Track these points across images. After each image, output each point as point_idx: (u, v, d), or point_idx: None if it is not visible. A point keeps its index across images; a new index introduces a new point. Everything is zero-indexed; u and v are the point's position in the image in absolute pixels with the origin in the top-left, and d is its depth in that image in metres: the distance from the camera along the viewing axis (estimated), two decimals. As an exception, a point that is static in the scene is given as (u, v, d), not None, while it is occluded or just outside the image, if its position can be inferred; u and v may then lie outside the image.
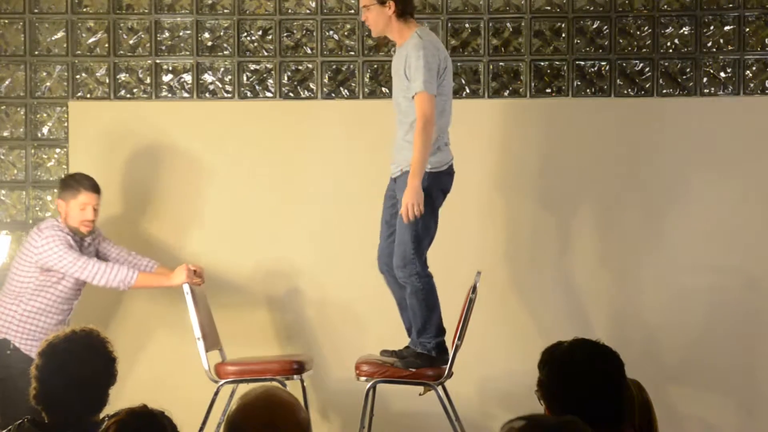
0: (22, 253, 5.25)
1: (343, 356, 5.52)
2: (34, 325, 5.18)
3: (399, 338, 5.02)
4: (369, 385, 4.92)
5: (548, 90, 5.95)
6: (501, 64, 5.96)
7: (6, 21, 6.02)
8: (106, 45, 6.00)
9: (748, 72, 5.92)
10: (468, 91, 5.94)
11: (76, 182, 5.31)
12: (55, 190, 5.98)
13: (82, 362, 3.24)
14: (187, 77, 5.99)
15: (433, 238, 4.93)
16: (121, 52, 6.00)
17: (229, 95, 5.98)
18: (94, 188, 5.32)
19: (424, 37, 4.89)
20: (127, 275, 5.14)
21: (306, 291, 5.88)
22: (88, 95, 6.00)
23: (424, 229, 4.86)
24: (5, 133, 6.02)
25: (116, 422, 2.78)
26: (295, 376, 5.12)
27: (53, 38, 6.01)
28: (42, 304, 5.20)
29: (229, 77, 5.98)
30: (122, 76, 6.00)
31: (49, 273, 5.17)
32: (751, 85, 5.92)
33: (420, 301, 4.87)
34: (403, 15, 4.94)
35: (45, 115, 6.01)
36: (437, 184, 4.88)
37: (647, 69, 5.94)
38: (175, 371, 5.76)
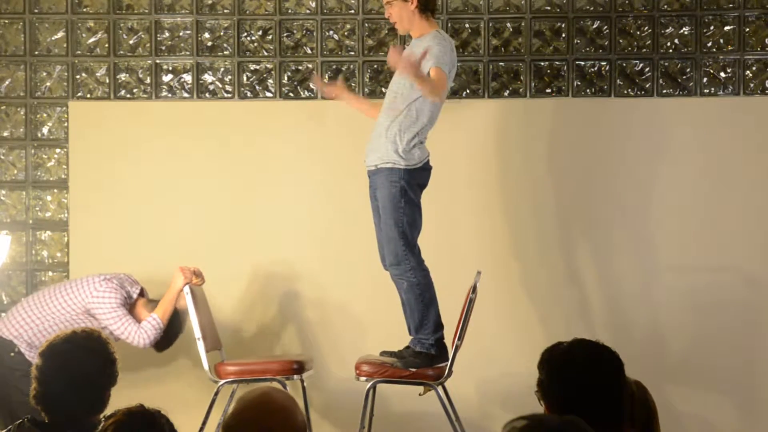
0: (79, 287, 5.23)
1: (343, 356, 5.52)
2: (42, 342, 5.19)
3: (399, 338, 5.02)
4: (369, 385, 4.92)
5: (548, 90, 5.95)
6: (501, 64, 5.96)
7: (6, 21, 6.02)
8: (106, 45, 6.00)
9: (748, 72, 5.92)
10: (468, 91, 5.94)
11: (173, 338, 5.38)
12: (56, 190, 5.99)
13: (82, 363, 3.24)
14: (187, 77, 5.99)
15: (420, 230, 4.94)
16: (121, 52, 6.01)
17: (229, 95, 5.98)
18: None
19: (444, 36, 4.99)
20: (153, 323, 5.21)
21: (305, 291, 5.88)
22: (88, 95, 6.01)
23: (410, 223, 4.88)
24: (5, 133, 6.02)
25: (114, 422, 2.78)
26: (295, 376, 5.12)
27: (53, 38, 6.01)
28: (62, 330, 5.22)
29: (229, 77, 5.98)
30: (122, 76, 6.00)
31: (92, 319, 5.20)
32: (751, 85, 5.92)
33: (417, 296, 4.87)
34: (425, 11, 5.00)
35: (45, 115, 6.01)
36: (415, 180, 4.92)
37: (647, 69, 5.94)
38: (175, 371, 5.77)
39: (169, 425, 2.82)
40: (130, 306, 5.29)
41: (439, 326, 4.92)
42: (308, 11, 5.99)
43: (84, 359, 3.26)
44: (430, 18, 5.03)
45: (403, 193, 4.87)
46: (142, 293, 5.36)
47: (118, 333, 5.18)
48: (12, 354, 5.17)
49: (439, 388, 4.90)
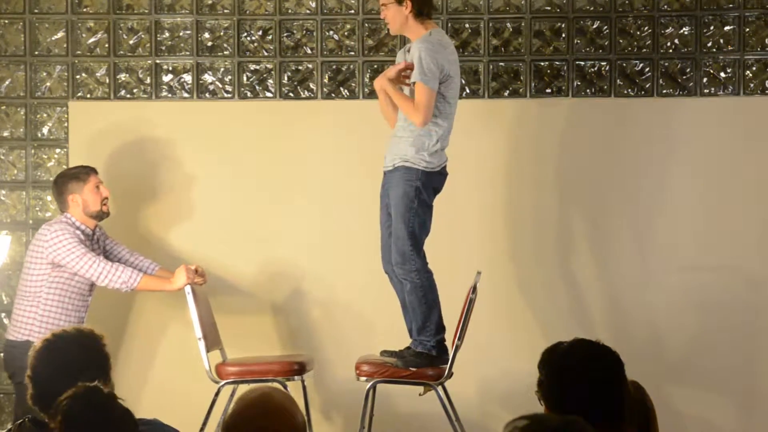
0: (32, 251, 5.23)
1: (345, 356, 5.52)
2: (55, 324, 5.16)
3: (402, 339, 5.02)
4: (369, 385, 4.93)
5: (548, 90, 5.95)
6: (501, 64, 5.96)
7: (6, 21, 6.02)
8: (106, 45, 6.00)
9: (748, 72, 5.92)
10: (468, 91, 5.94)
11: (78, 172, 5.33)
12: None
13: (73, 361, 3.22)
14: (187, 77, 5.99)
15: (429, 233, 4.94)
16: (121, 52, 6.01)
17: (229, 95, 5.98)
18: (95, 170, 5.37)
19: (433, 35, 4.93)
20: (131, 277, 5.14)
21: (307, 291, 5.88)
22: (88, 95, 6.01)
23: (420, 225, 4.88)
24: (5, 133, 6.02)
25: (63, 406, 2.78)
26: (296, 377, 5.12)
27: (53, 38, 6.01)
28: (59, 301, 5.19)
29: (229, 77, 5.98)
30: (122, 76, 6.00)
31: (61, 269, 5.17)
32: (751, 85, 5.92)
33: (420, 298, 4.87)
34: (420, 15, 4.95)
35: (45, 115, 6.01)
36: (430, 183, 4.91)
37: (647, 69, 5.94)
38: (176, 371, 5.77)
39: (114, 403, 2.80)
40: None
41: (440, 329, 4.91)
42: (308, 11, 5.99)
43: (75, 357, 3.23)
44: (425, 21, 4.98)
45: (418, 193, 4.85)
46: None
47: (84, 271, 5.12)
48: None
49: (439, 388, 4.90)
